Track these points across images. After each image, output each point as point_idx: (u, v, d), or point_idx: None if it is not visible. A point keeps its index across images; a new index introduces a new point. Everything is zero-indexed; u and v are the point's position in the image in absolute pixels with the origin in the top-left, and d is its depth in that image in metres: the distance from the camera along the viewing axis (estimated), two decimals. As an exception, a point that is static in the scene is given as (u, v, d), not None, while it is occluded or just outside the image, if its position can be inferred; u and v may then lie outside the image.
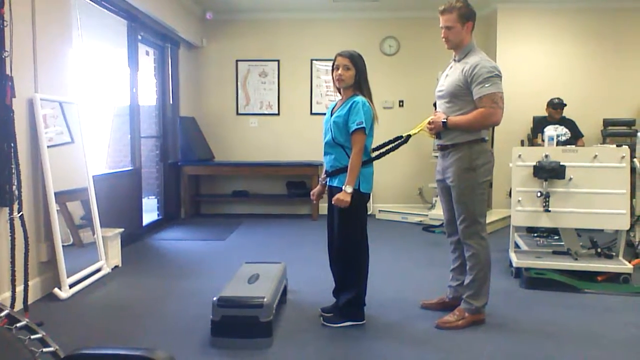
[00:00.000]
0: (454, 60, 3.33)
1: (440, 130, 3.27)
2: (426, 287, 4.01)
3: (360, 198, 3.20)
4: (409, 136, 3.45)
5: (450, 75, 3.29)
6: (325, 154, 3.31)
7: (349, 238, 3.26)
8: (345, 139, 3.18)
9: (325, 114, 3.40)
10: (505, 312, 3.54)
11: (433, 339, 3.10)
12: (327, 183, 3.35)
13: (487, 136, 3.27)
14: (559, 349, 2.97)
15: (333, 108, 3.33)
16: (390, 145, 3.46)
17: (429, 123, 3.32)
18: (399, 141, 3.46)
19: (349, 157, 3.15)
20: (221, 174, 7.69)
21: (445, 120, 3.21)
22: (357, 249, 3.27)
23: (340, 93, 3.33)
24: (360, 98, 3.17)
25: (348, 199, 3.09)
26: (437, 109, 3.39)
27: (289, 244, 5.71)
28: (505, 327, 3.28)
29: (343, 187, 3.11)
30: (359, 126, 3.09)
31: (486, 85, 3.09)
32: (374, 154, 3.33)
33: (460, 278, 3.46)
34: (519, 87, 6.85)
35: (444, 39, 3.27)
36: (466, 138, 3.20)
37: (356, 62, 3.22)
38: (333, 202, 3.16)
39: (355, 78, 3.21)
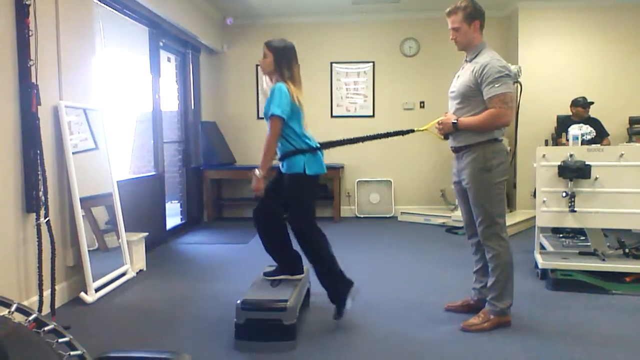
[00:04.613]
0: (466, 60, 3.32)
1: (450, 131, 3.25)
2: (450, 290, 3.97)
3: (307, 181, 3.25)
4: (412, 130, 3.46)
5: (462, 76, 3.27)
6: None
7: (299, 221, 3.31)
8: None
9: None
10: (531, 314, 3.49)
11: (458, 342, 3.07)
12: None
13: (500, 136, 3.23)
14: (587, 352, 2.91)
15: None
16: (384, 132, 3.50)
17: (439, 123, 3.30)
18: (397, 131, 3.49)
19: (289, 143, 3.24)
20: (243, 177, 7.69)
21: (455, 121, 3.19)
22: (308, 231, 3.32)
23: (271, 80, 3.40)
24: (278, 84, 3.22)
25: (259, 185, 3.20)
26: (448, 110, 3.36)
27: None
28: (531, 329, 3.23)
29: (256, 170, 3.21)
30: (271, 112, 3.16)
31: (496, 86, 3.06)
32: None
33: (483, 280, 3.42)
34: (542, 86, 6.78)
35: (453, 41, 3.27)
36: (478, 139, 3.17)
37: (273, 48, 3.30)
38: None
39: (274, 64, 3.29)
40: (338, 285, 3.32)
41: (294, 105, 3.23)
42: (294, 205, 3.31)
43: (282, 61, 3.29)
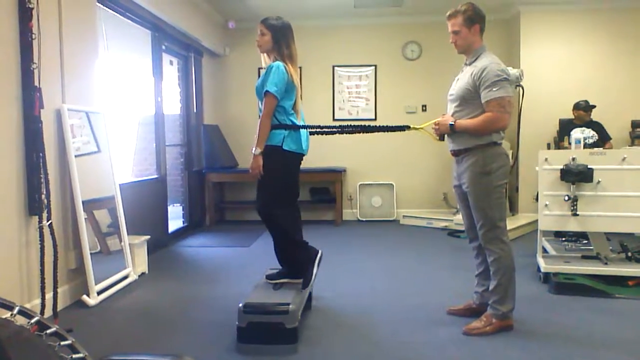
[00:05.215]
0: (465, 64, 3.34)
1: (446, 132, 3.27)
2: (452, 293, 3.97)
3: (282, 156, 3.25)
4: (407, 127, 3.49)
5: (461, 79, 3.29)
6: None
7: (265, 197, 3.32)
8: None
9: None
10: (533, 317, 3.48)
11: (460, 346, 3.06)
12: None
13: (499, 139, 3.22)
14: (589, 356, 2.91)
15: None
16: (377, 126, 3.53)
17: (435, 124, 3.32)
18: (391, 126, 3.52)
19: (275, 117, 3.24)
20: (245, 180, 7.71)
21: (452, 123, 3.20)
22: (272, 209, 3.31)
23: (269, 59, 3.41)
24: (277, 63, 3.24)
25: (258, 162, 3.19)
26: (447, 112, 3.37)
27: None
28: (533, 333, 3.23)
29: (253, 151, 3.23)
30: (265, 89, 3.17)
31: (494, 89, 3.07)
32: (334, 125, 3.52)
33: (485, 283, 3.42)
34: (544, 89, 6.79)
35: (452, 44, 3.28)
36: (477, 142, 3.18)
37: (271, 27, 3.32)
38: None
39: (272, 43, 3.32)
40: (303, 255, 3.38)
41: (289, 85, 3.26)
42: (262, 182, 3.30)
43: (281, 40, 3.33)
